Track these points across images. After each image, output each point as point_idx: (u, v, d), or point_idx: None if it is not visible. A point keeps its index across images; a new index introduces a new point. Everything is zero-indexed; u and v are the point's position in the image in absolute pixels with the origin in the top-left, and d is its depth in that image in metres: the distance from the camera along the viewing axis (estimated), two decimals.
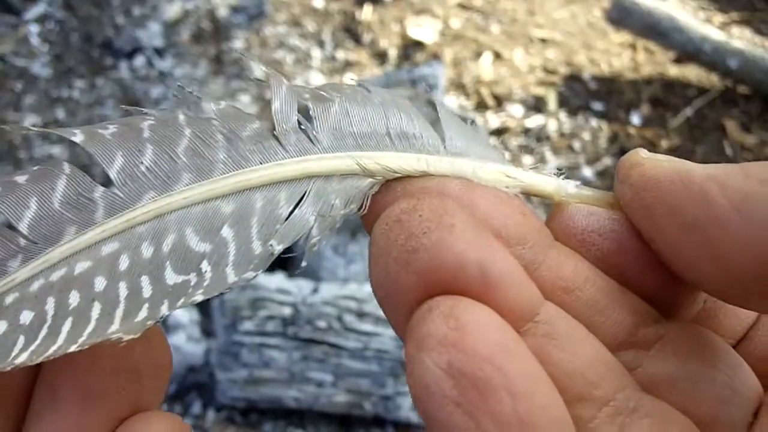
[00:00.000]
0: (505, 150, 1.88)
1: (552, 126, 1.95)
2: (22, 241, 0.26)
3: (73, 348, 0.24)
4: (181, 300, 0.25)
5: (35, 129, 0.28)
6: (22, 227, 0.26)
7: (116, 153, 0.27)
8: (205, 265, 0.26)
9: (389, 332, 1.31)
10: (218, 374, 1.33)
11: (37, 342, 0.25)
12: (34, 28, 2.07)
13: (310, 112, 0.27)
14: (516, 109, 1.97)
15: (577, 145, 1.92)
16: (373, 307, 1.32)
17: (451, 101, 1.95)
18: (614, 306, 0.26)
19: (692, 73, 2.08)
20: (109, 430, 0.26)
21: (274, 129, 0.27)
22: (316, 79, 2.01)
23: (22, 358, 0.24)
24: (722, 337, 0.27)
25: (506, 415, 0.19)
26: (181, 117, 0.27)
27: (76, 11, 2.12)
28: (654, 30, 2.03)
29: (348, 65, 2.06)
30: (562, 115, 1.97)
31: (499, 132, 1.92)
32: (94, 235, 0.26)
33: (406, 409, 1.34)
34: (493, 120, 1.94)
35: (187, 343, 1.33)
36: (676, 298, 0.27)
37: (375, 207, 0.27)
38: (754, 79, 1.99)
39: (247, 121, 0.28)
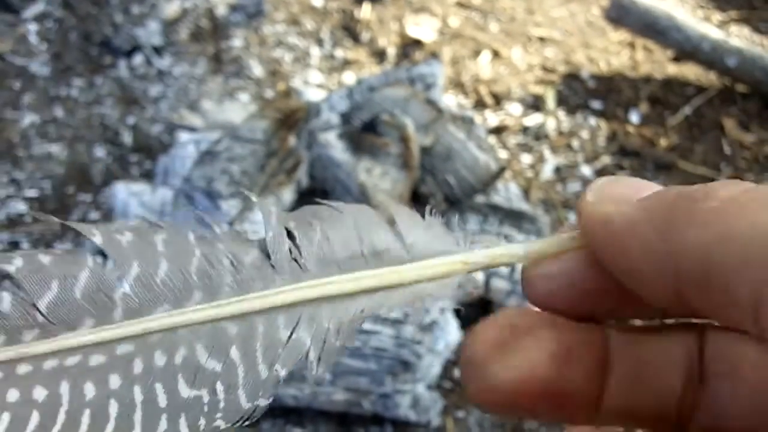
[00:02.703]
0: (504, 149, 1.88)
1: (551, 124, 1.95)
2: (40, 318, 0.27)
3: None
4: (202, 421, 0.26)
5: (58, 221, 0.29)
6: (41, 306, 0.27)
7: (133, 262, 0.28)
8: (219, 386, 0.27)
9: (387, 330, 1.31)
10: None
11: (58, 427, 0.25)
12: (32, 27, 2.07)
13: (297, 241, 0.29)
14: (514, 108, 1.97)
15: (575, 143, 1.92)
16: None
17: (450, 100, 1.95)
18: None
19: (691, 71, 2.08)
20: None
21: (269, 258, 0.29)
22: (315, 77, 2.01)
23: None
24: None
25: None
26: (191, 236, 0.29)
27: (75, 10, 2.12)
28: (652, 28, 2.03)
29: (347, 64, 2.06)
30: (561, 114, 1.98)
31: (498, 131, 1.92)
32: (111, 333, 0.27)
33: (404, 407, 1.34)
34: (492, 118, 1.94)
35: None
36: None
37: None
38: (753, 77, 1.99)
39: (248, 246, 0.29)
